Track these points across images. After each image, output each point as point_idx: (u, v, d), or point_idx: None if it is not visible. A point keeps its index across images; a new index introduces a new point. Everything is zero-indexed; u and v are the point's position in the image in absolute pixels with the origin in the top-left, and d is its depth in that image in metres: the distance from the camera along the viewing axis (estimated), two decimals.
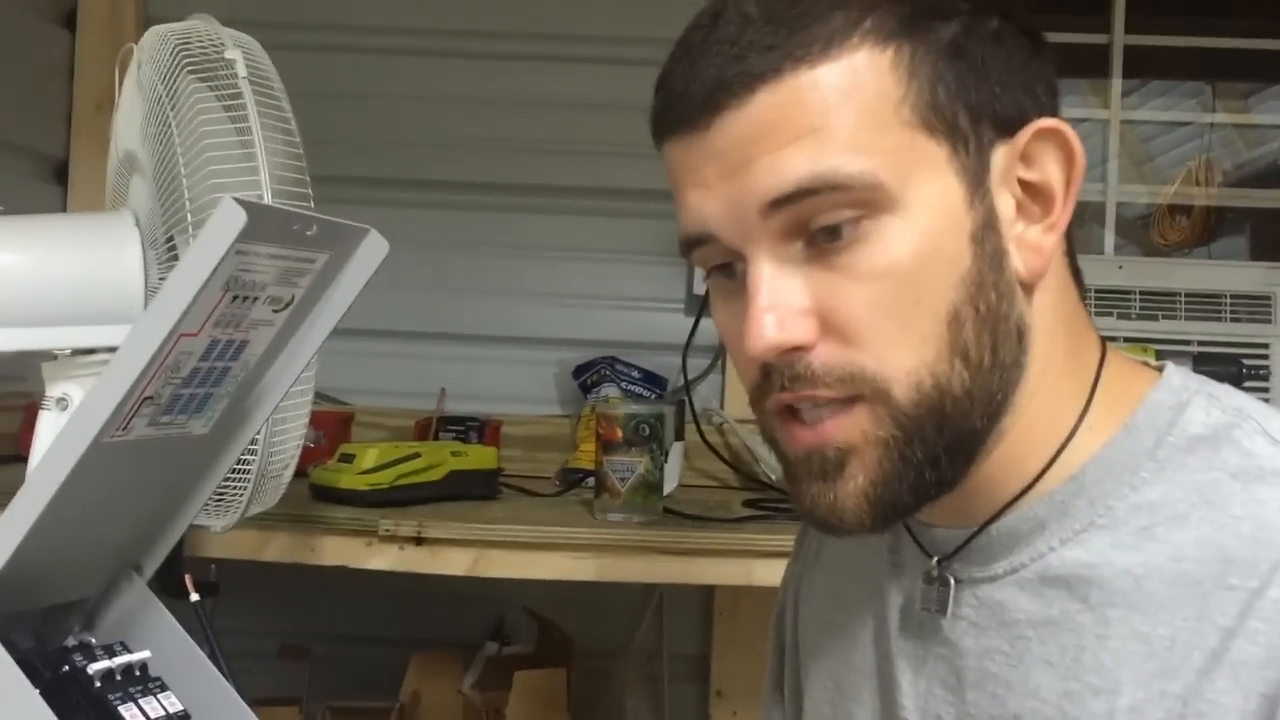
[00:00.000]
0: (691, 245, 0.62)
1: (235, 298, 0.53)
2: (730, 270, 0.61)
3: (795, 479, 0.61)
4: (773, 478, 1.66)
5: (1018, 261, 0.59)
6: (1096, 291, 1.59)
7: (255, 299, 0.55)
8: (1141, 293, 1.60)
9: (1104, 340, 0.65)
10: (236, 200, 0.48)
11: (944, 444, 0.58)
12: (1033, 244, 0.59)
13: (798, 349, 0.58)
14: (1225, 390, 0.62)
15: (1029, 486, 0.61)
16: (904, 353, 0.57)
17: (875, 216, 0.57)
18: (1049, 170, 0.60)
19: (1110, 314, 1.59)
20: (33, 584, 0.55)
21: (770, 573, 1.28)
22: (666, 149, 0.62)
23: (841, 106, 0.56)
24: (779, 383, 0.59)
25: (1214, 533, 0.57)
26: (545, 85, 1.84)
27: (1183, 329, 1.59)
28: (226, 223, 0.49)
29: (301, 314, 0.60)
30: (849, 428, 0.58)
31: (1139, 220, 1.82)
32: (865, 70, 0.57)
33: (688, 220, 0.61)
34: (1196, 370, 0.64)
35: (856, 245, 0.57)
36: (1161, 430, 0.60)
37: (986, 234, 0.58)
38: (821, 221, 0.57)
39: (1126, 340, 1.53)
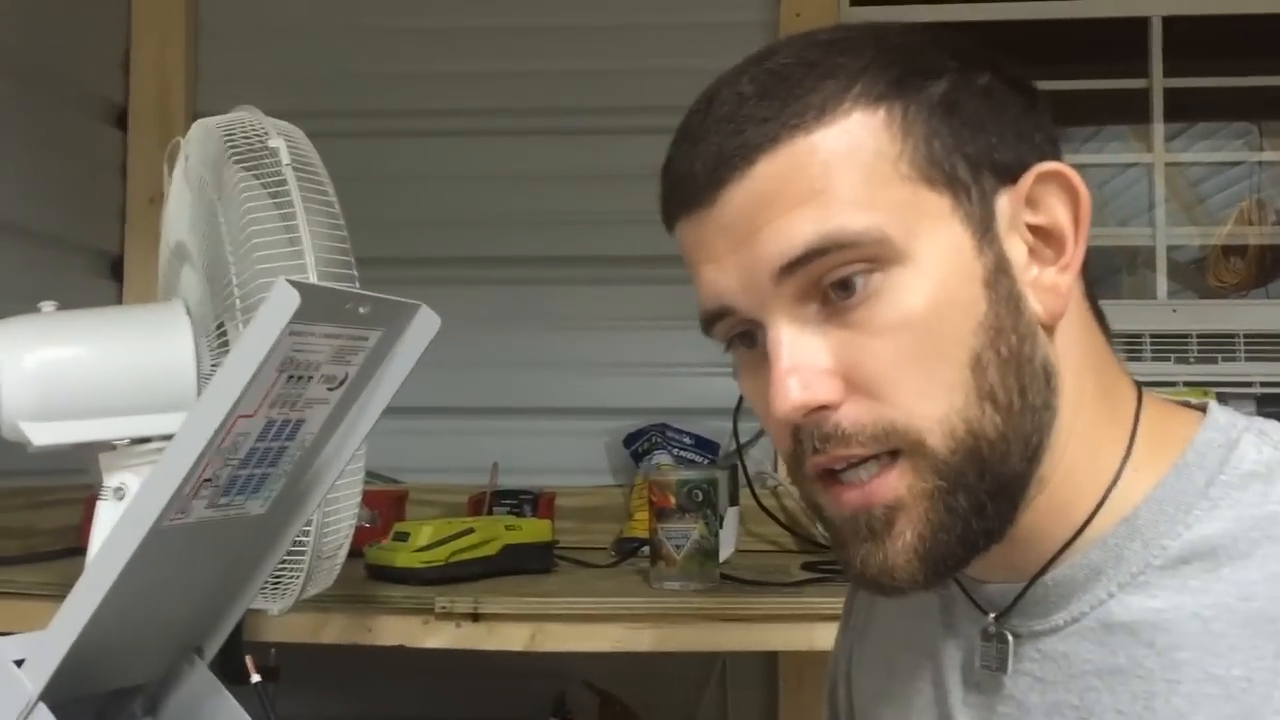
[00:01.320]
0: (711, 321, 0.63)
1: (290, 377, 0.54)
2: (751, 340, 0.62)
3: (843, 542, 0.61)
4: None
5: (1036, 304, 0.59)
6: (1152, 336, 1.56)
7: (310, 378, 0.55)
8: (1199, 336, 1.57)
9: (1138, 383, 0.65)
10: (290, 281, 0.49)
11: (987, 489, 0.58)
12: (1048, 286, 0.60)
13: (823, 408, 0.58)
14: (1274, 425, 0.61)
15: (1078, 533, 0.60)
16: (932, 402, 0.57)
17: (886, 270, 0.57)
18: (1056, 213, 0.60)
19: (1168, 359, 1.56)
20: (95, 669, 0.56)
21: (832, 636, 1.25)
22: (678, 231, 0.63)
23: (841, 167, 0.58)
24: (810, 445, 0.59)
25: None
26: (580, 157, 1.86)
27: (1244, 371, 1.56)
28: (281, 304, 0.49)
29: (356, 391, 0.61)
30: (894, 484, 0.58)
31: (1192, 264, 1.79)
32: (860, 131, 0.58)
33: (705, 296, 0.62)
34: (1261, 412, 0.63)
35: (871, 300, 0.58)
36: (1213, 469, 0.59)
37: (999, 278, 0.59)
38: (832, 277, 0.58)
39: (1186, 384, 1.49)
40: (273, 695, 1.05)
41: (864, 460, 0.58)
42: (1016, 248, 0.60)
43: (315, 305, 0.51)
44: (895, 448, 0.58)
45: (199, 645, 0.64)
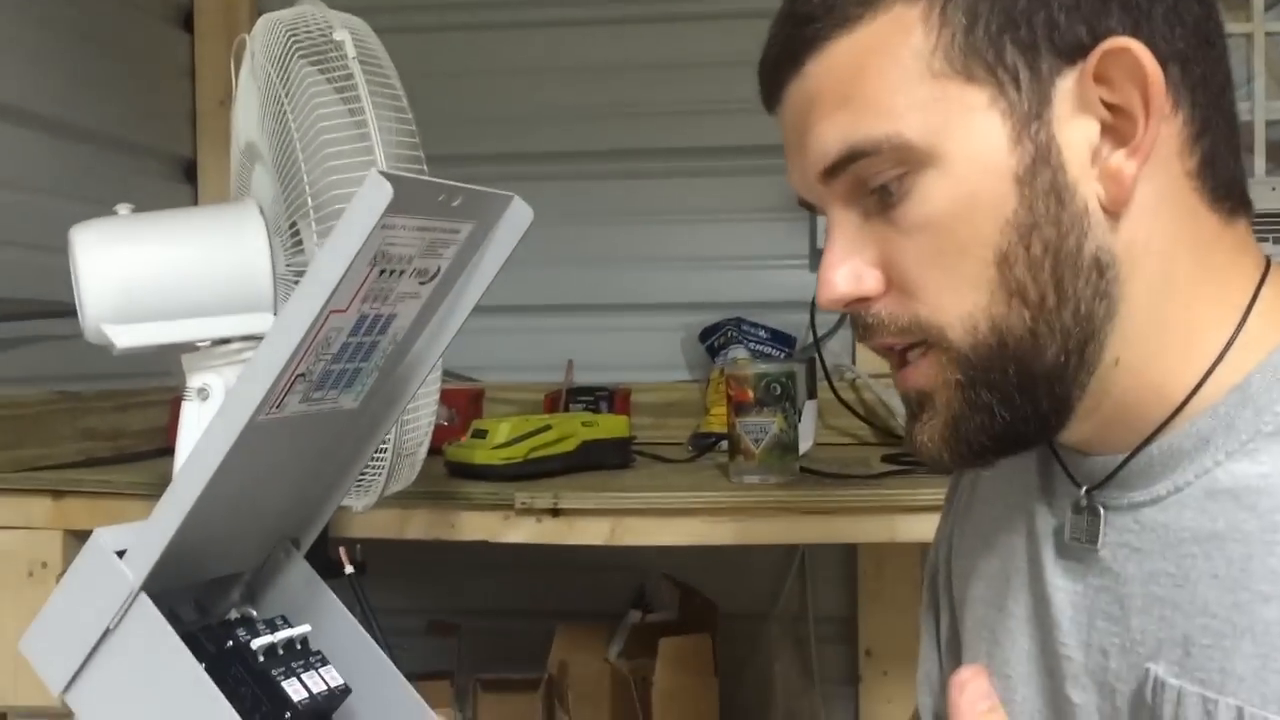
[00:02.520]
0: (805, 204, 0.67)
1: (382, 272, 0.53)
2: None
3: (906, 415, 0.66)
4: None
5: (1099, 190, 0.58)
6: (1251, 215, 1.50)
7: (402, 272, 0.55)
8: None
9: (1268, 259, 0.62)
10: (382, 174, 0.48)
11: (1014, 383, 0.59)
12: (1113, 172, 0.58)
13: (863, 300, 0.62)
14: None
15: (1178, 409, 0.59)
16: (956, 298, 0.59)
17: (917, 172, 0.59)
18: (1127, 93, 0.57)
19: (1266, 239, 1.50)
20: (194, 558, 0.57)
21: (913, 528, 1.24)
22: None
23: (868, 70, 0.59)
24: (858, 331, 0.64)
25: None
26: (654, 47, 1.82)
27: None
28: (373, 197, 0.49)
29: (447, 286, 0.60)
30: (923, 373, 0.62)
31: None
32: (894, 28, 0.58)
33: (790, 180, 0.65)
34: None
35: (903, 201, 0.59)
36: None
37: (1038, 171, 0.57)
38: (873, 183, 0.60)
39: None
40: (363, 588, 1.08)
41: (901, 349, 0.62)
42: (1085, 130, 0.58)
43: (408, 197, 0.50)
44: (922, 340, 0.61)
45: (295, 537, 0.65)
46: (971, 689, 0.48)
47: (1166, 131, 0.58)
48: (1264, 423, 0.57)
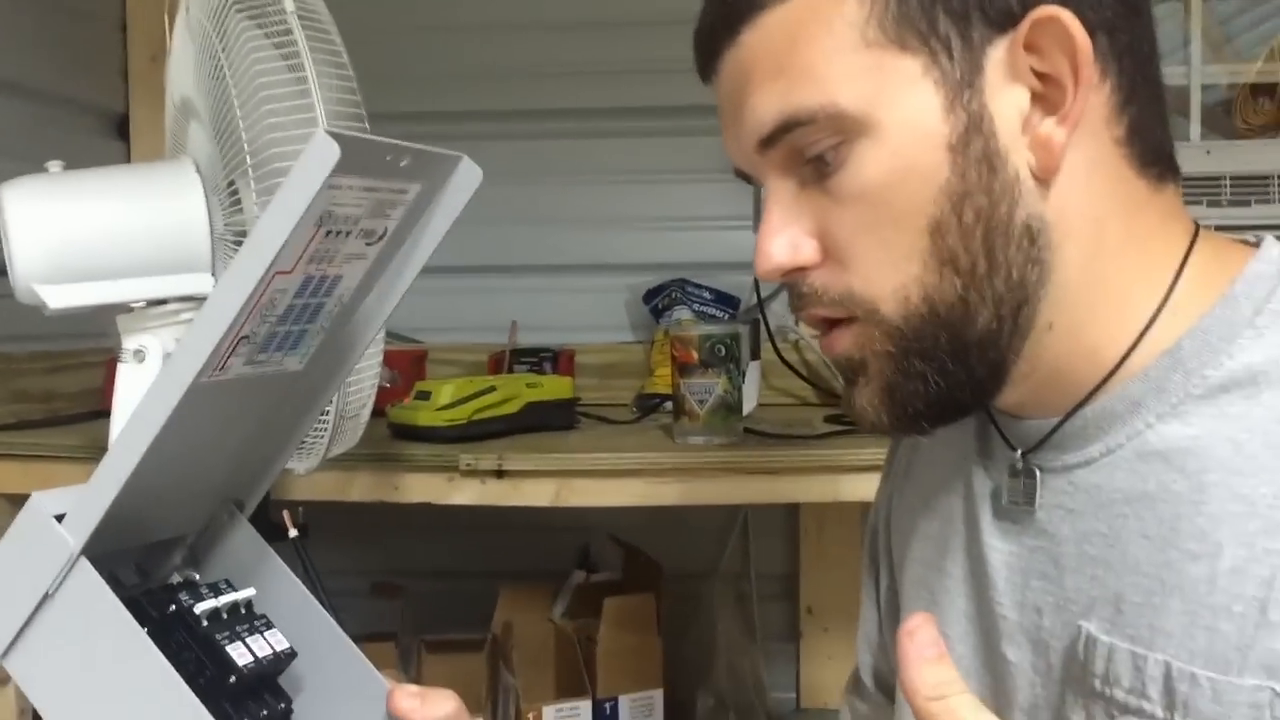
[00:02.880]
0: (742, 176, 0.67)
1: (328, 233, 0.53)
2: None
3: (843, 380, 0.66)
4: None
5: (1029, 158, 0.58)
6: (1184, 179, 1.52)
7: (348, 233, 0.54)
8: (1232, 178, 1.53)
9: (1196, 224, 0.63)
10: (329, 132, 0.47)
11: (947, 350, 0.60)
12: (1043, 140, 0.58)
13: (799, 270, 0.62)
14: None
15: (1111, 372, 0.60)
16: (889, 270, 0.59)
17: (852, 141, 0.59)
18: (1057, 61, 0.58)
19: (1200, 202, 1.52)
20: (135, 522, 0.56)
21: (856, 487, 1.26)
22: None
23: (803, 40, 0.59)
24: (792, 302, 0.64)
25: None
26: (602, 5, 1.80)
27: (1277, 213, 1.52)
28: (320, 156, 0.48)
29: (394, 247, 0.59)
30: (848, 342, 0.62)
31: (1218, 106, 1.74)
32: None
33: (726, 152, 0.65)
34: None
35: (838, 170, 0.60)
36: (1260, 299, 0.59)
37: (971, 139, 0.58)
38: (809, 153, 0.60)
39: (1218, 228, 1.46)
40: (306, 551, 1.07)
41: (829, 320, 0.63)
42: (1015, 98, 0.58)
43: (354, 157, 0.50)
44: (853, 314, 0.61)
45: (239, 499, 0.64)
46: (920, 636, 0.49)
47: (1095, 99, 0.59)
48: (1193, 386, 0.59)
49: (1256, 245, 0.62)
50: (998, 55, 0.58)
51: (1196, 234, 0.63)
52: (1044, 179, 0.59)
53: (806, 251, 0.61)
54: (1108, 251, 0.60)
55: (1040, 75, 0.58)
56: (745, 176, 0.65)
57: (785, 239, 0.62)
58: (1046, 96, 0.58)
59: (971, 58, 0.58)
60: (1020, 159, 0.58)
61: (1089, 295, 0.60)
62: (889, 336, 0.60)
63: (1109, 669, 0.58)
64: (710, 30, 0.63)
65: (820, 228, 0.61)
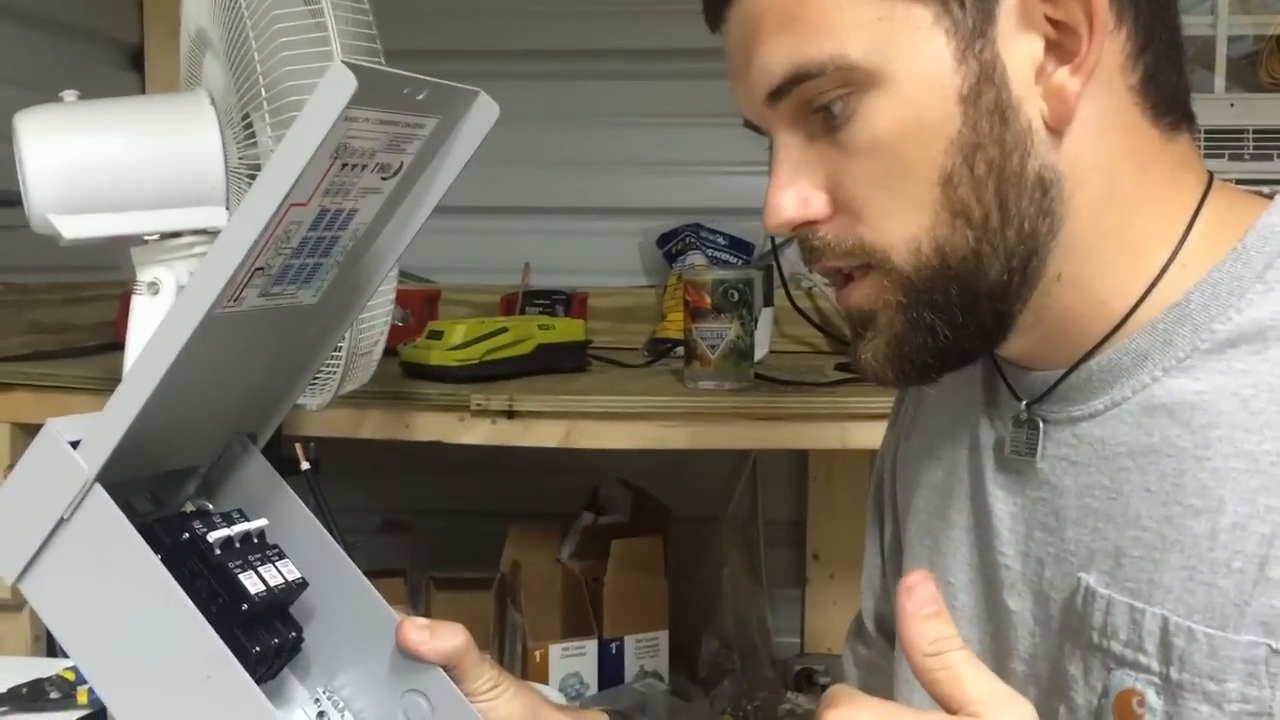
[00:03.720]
0: (752, 127, 0.65)
1: (344, 165, 0.52)
2: None
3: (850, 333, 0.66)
4: None
5: (1042, 108, 0.58)
6: (1207, 132, 1.50)
7: (364, 166, 0.54)
8: (1255, 131, 1.51)
9: (1211, 175, 0.62)
10: (346, 64, 0.47)
11: (957, 303, 0.60)
12: (1056, 89, 0.57)
13: (811, 223, 0.61)
14: None
15: (1120, 324, 0.60)
16: (900, 221, 0.59)
17: (862, 93, 0.58)
18: (1071, 8, 0.57)
19: (1222, 155, 1.50)
20: (149, 451, 0.56)
21: (864, 435, 1.26)
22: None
23: None
24: (804, 255, 0.63)
25: None
26: None
27: None
28: (336, 88, 0.47)
29: (410, 182, 0.59)
30: (862, 294, 0.62)
31: (1245, 60, 1.71)
32: None
33: (737, 104, 0.64)
34: None
35: (849, 123, 0.59)
36: (1272, 253, 0.58)
37: (983, 90, 0.57)
38: (818, 103, 0.59)
39: (1240, 182, 1.45)
40: (318, 485, 1.08)
41: (841, 271, 0.62)
42: (1029, 47, 0.57)
43: (371, 89, 0.49)
44: (866, 263, 0.61)
45: (252, 432, 0.64)
46: (919, 593, 0.49)
47: (1110, 47, 0.58)
48: (1201, 340, 0.58)
49: (1271, 198, 0.61)
50: (1011, 2, 0.57)
51: (1210, 185, 0.62)
52: (1057, 129, 0.58)
53: (816, 205, 0.61)
54: (1119, 202, 0.60)
55: (1054, 23, 0.57)
56: (755, 127, 0.64)
57: (795, 192, 0.61)
58: (1061, 44, 0.57)
59: (984, 6, 0.57)
60: (1033, 108, 0.57)
61: (1099, 246, 0.60)
62: (900, 287, 0.60)
63: (1107, 621, 0.59)
64: None
65: (830, 180, 0.60)
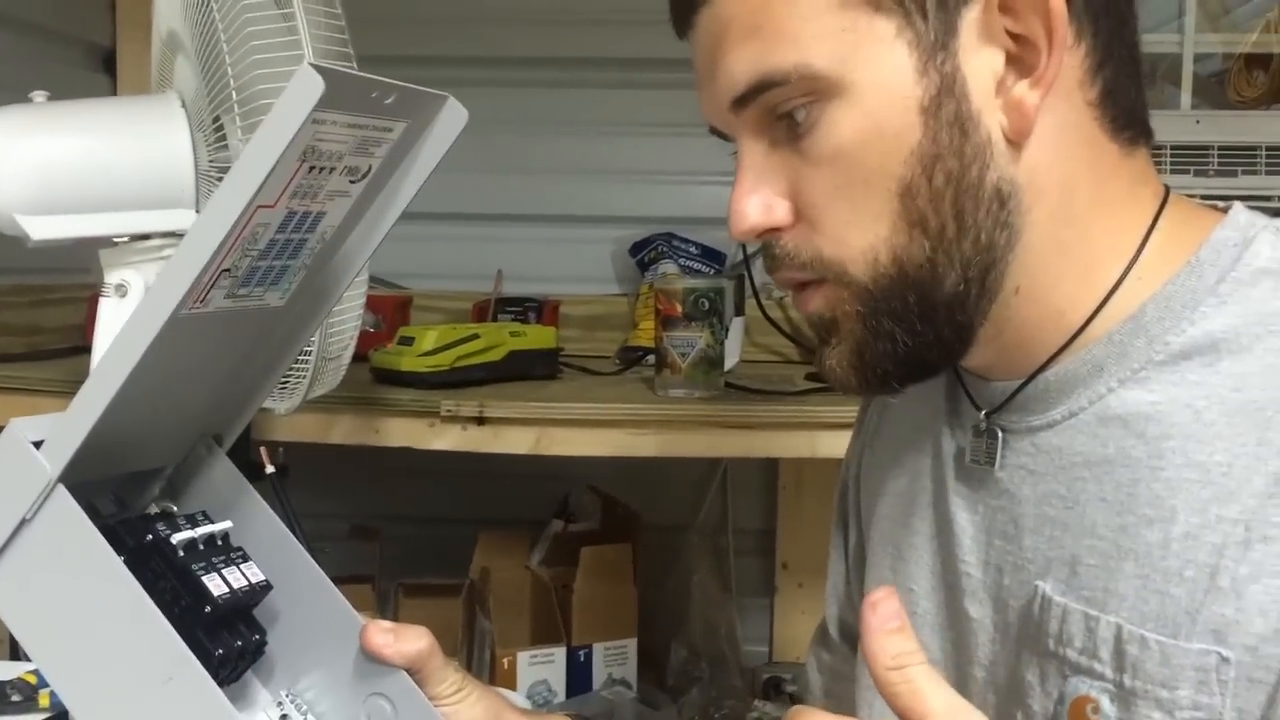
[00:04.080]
0: (714, 132, 0.66)
1: (312, 168, 0.53)
2: None
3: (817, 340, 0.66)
4: None
5: (1002, 121, 0.58)
6: (1172, 148, 1.52)
7: (332, 169, 0.54)
8: (1220, 148, 1.53)
9: (1167, 189, 0.63)
10: (314, 66, 0.47)
11: (916, 311, 0.60)
12: (1015, 103, 0.58)
13: (774, 230, 0.61)
14: None
15: (1077, 334, 0.61)
16: (858, 232, 0.59)
17: (825, 102, 0.58)
18: (1031, 22, 0.57)
19: (1187, 171, 1.52)
20: (114, 451, 0.56)
21: (834, 444, 1.27)
22: None
23: (774, 1, 0.58)
24: (766, 263, 0.64)
25: (1279, 361, 0.56)
26: None
27: (1263, 184, 1.52)
28: (304, 90, 0.48)
29: (378, 185, 0.59)
30: (819, 301, 0.62)
31: (1212, 78, 1.73)
32: None
33: (702, 110, 0.65)
34: None
35: (810, 131, 0.59)
36: (1225, 266, 0.59)
37: (943, 101, 0.58)
38: (781, 110, 0.59)
39: (1204, 199, 1.46)
40: (284, 490, 1.07)
41: (800, 282, 0.63)
42: (989, 60, 0.58)
43: (339, 92, 0.49)
44: (823, 276, 0.61)
45: (218, 434, 0.64)
46: (883, 609, 0.49)
47: (1069, 62, 0.58)
48: (1155, 351, 0.59)
49: (1226, 211, 0.62)
50: (972, 16, 0.57)
51: (1166, 198, 0.63)
52: (1016, 141, 0.59)
53: (779, 212, 0.61)
54: (1076, 215, 0.60)
55: (1014, 36, 0.58)
56: (720, 134, 0.65)
57: (758, 199, 0.61)
58: (1021, 58, 0.58)
59: (946, 19, 0.57)
60: (993, 121, 0.58)
61: (1056, 259, 0.60)
62: (857, 297, 0.60)
63: (1062, 629, 0.59)
64: None
65: (792, 188, 0.61)
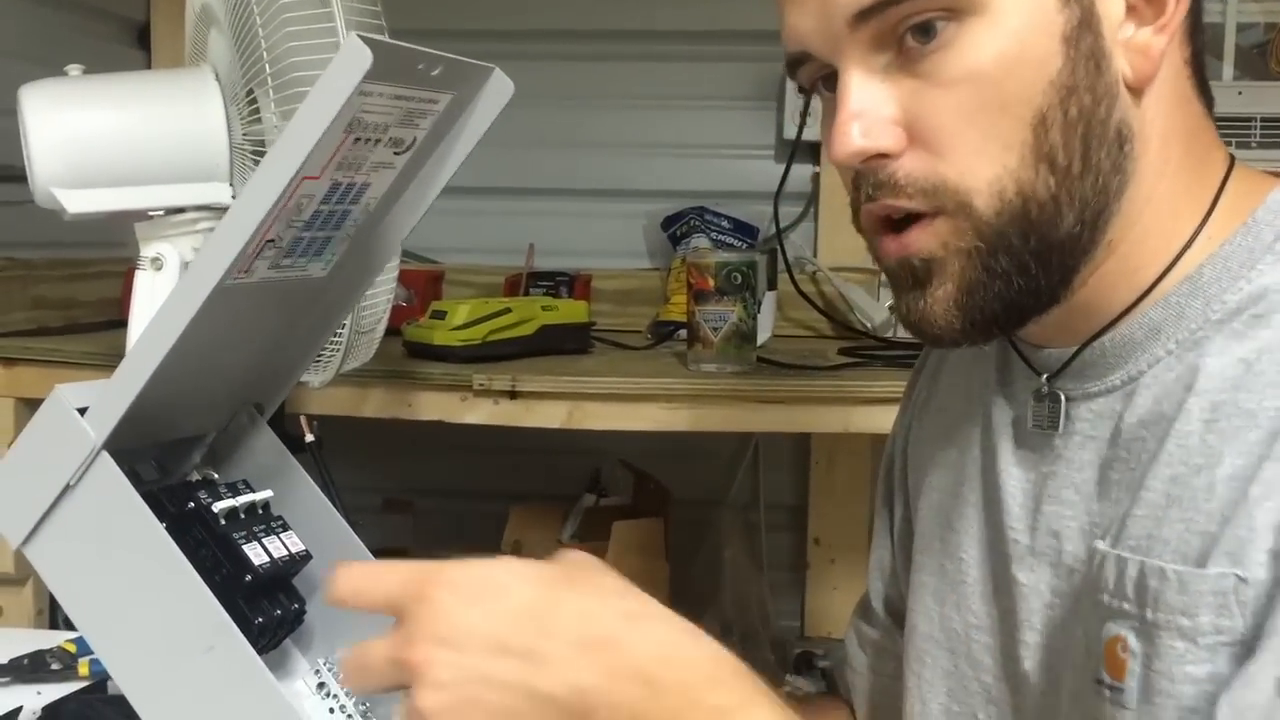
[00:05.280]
0: (795, 65, 0.62)
1: (357, 140, 0.53)
2: (834, 84, 0.60)
3: (895, 290, 0.63)
4: (868, 325, 1.63)
5: (1124, 64, 0.58)
6: (1215, 120, 1.51)
7: (377, 141, 0.54)
8: (1263, 119, 1.51)
9: (1233, 156, 0.63)
10: (361, 38, 0.47)
11: (1032, 250, 0.58)
12: (1141, 46, 0.57)
13: (883, 156, 0.58)
14: None
15: (1141, 296, 0.60)
16: (987, 161, 0.57)
17: (961, 20, 0.56)
18: None
19: (1229, 143, 1.50)
20: (157, 418, 0.57)
21: (867, 419, 1.26)
22: None
23: None
24: (865, 192, 0.60)
25: None
26: None
27: None
28: (351, 62, 0.48)
29: (422, 157, 0.59)
30: (929, 239, 0.59)
31: (1255, 49, 1.71)
32: None
33: (788, 38, 0.61)
34: None
35: (942, 50, 0.56)
36: None
37: (1082, 34, 0.56)
38: (912, 21, 0.56)
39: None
40: (323, 459, 1.08)
41: (910, 213, 0.59)
42: (1117, 2, 0.57)
43: (386, 64, 0.49)
44: (941, 205, 0.58)
45: (259, 403, 0.64)
46: None
47: (1176, 17, 0.58)
48: (1212, 311, 0.59)
49: None
50: None
51: (1232, 164, 0.63)
52: (1137, 87, 0.58)
53: (890, 136, 0.58)
54: (1169, 171, 0.60)
55: None
56: (798, 62, 0.61)
57: (867, 122, 0.58)
58: (1137, 8, 0.58)
59: None
60: (1120, 63, 0.58)
61: (1146, 212, 0.60)
62: (978, 232, 0.58)
63: (1101, 576, 0.59)
64: None
65: (909, 113, 0.58)
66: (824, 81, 0.62)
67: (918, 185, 0.58)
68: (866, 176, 0.59)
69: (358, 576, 0.54)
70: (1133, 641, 0.57)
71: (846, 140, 0.58)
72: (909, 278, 0.60)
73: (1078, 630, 0.62)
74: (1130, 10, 0.58)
